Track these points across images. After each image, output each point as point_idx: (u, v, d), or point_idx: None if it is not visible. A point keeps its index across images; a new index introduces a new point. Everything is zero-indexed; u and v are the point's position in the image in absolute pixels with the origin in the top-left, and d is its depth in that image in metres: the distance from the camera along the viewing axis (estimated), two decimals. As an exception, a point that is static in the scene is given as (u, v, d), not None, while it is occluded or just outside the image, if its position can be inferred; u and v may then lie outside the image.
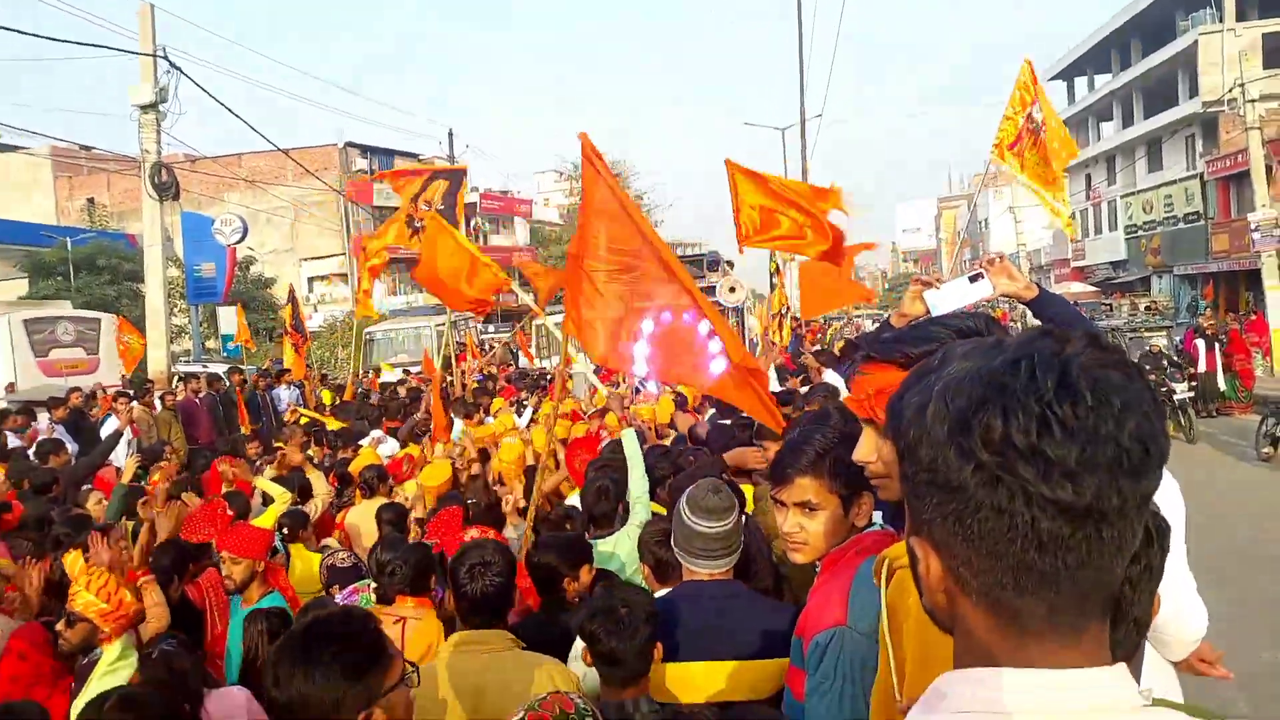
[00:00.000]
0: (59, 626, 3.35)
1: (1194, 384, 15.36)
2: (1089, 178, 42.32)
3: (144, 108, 15.83)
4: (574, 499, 5.12)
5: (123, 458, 8.39)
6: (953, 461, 0.80)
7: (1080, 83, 43.62)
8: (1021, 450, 0.78)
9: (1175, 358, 15.79)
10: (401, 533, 5.00)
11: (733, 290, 14.25)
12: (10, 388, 13.92)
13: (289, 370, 15.95)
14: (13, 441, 9.23)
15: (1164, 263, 33.83)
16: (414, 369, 18.39)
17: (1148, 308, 23.52)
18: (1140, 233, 35.73)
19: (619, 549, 3.89)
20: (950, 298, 2.63)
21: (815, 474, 2.15)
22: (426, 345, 21.58)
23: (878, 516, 2.18)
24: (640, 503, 4.09)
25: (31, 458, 8.03)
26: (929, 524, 0.85)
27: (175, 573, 4.50)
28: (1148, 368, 15.02)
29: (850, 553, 2.07)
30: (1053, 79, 44.55)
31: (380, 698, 1.68)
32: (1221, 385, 16.57)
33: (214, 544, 4.26)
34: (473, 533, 3.49)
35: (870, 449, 1.71)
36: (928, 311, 2.64)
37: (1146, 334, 17.76)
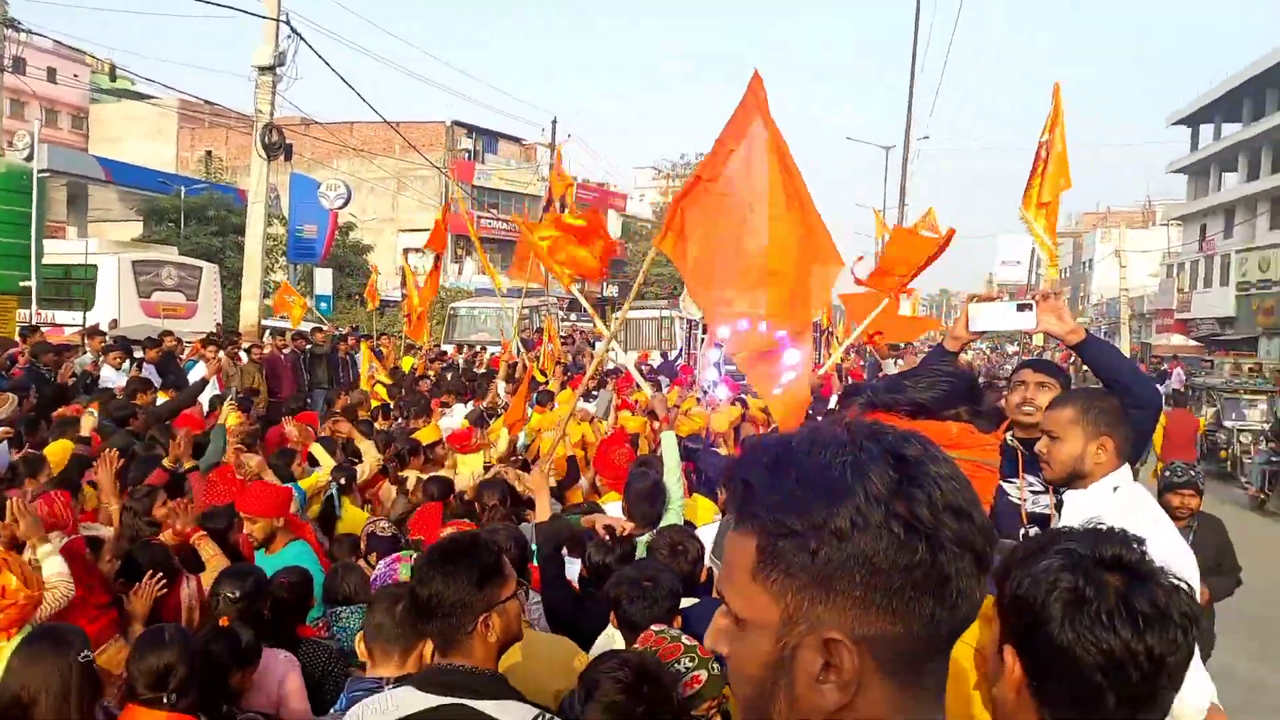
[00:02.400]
0: None
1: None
2: (1204, 228, 40.62)
3: (262, 69, 16.40)
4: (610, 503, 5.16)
5: (205, 404, 8.78)
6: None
7: (1206, 130, 41.89)
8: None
9: None
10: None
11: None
12: (113, 324, 14.65)
13: (369, 336, 16.39)
14: (111, 375, 9.76)
15: (1276, 324, 32.29)
16: (494, 348, 18.74)
17: (1251, 369, 22.49)
18: (1253, 290, 34.15)
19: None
20: (992, 318, 2.63)
21: None
22: (507, 325, 21.99)
23: None
24: (673, 508, 4.14)
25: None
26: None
27: (233, 519, 4.74)
28: (1270, 433, 14.34)
29: None
30: (1176, 124, 42.88)
31: (497, 605, 2.08)
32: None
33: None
34: (449, 530, 3.60)
35: None
36: (968, 326, 2.65)
37: (1246, 396, 17.00)
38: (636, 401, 9.97)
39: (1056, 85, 6.53)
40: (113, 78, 28.62)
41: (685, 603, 2.90)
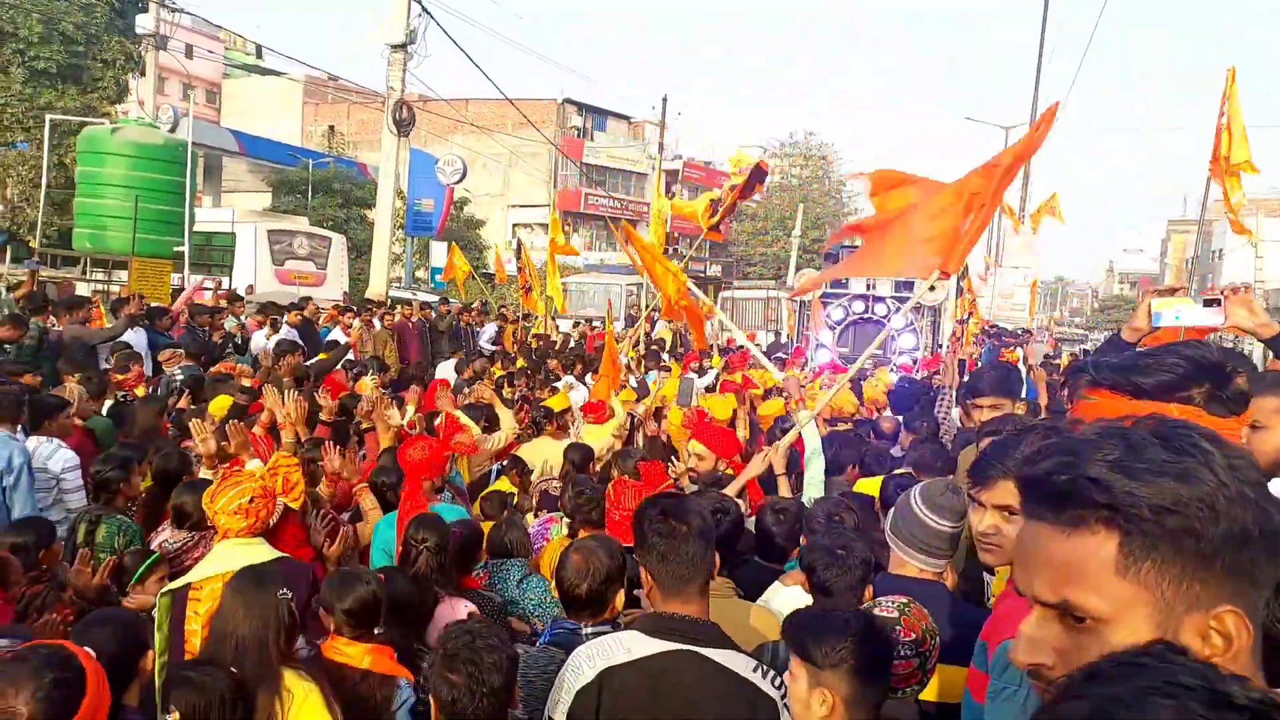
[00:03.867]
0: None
1: None
2: (1353, 217, 38.08)
3: (394, 47, 16.94)
4: None
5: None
6: None
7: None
8: None
9: None
10: (584, 472, 5.32)
11: (932, 289, 13.86)
12: (250, 289, 15.47)
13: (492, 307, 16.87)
14: (259, 339, 10.39)
15: None
16: (597, 325, 19.05)
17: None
18: None
19: None
20: (1176, 314, 2.59)
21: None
22: (614, 301, 22.27)
23: None
24: (812, 486, 4.27)
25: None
26: None
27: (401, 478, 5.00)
28: None
29: None
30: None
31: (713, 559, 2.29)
32: None
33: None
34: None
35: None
36: (1150, 320, 2.61)
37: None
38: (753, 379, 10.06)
39: (1231, 70, 6.35)
40: (259, 55, 30.02)
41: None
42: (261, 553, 3.38)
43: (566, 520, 4.47)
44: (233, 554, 3.33)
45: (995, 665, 1.98)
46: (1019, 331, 19.33)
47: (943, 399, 6.77)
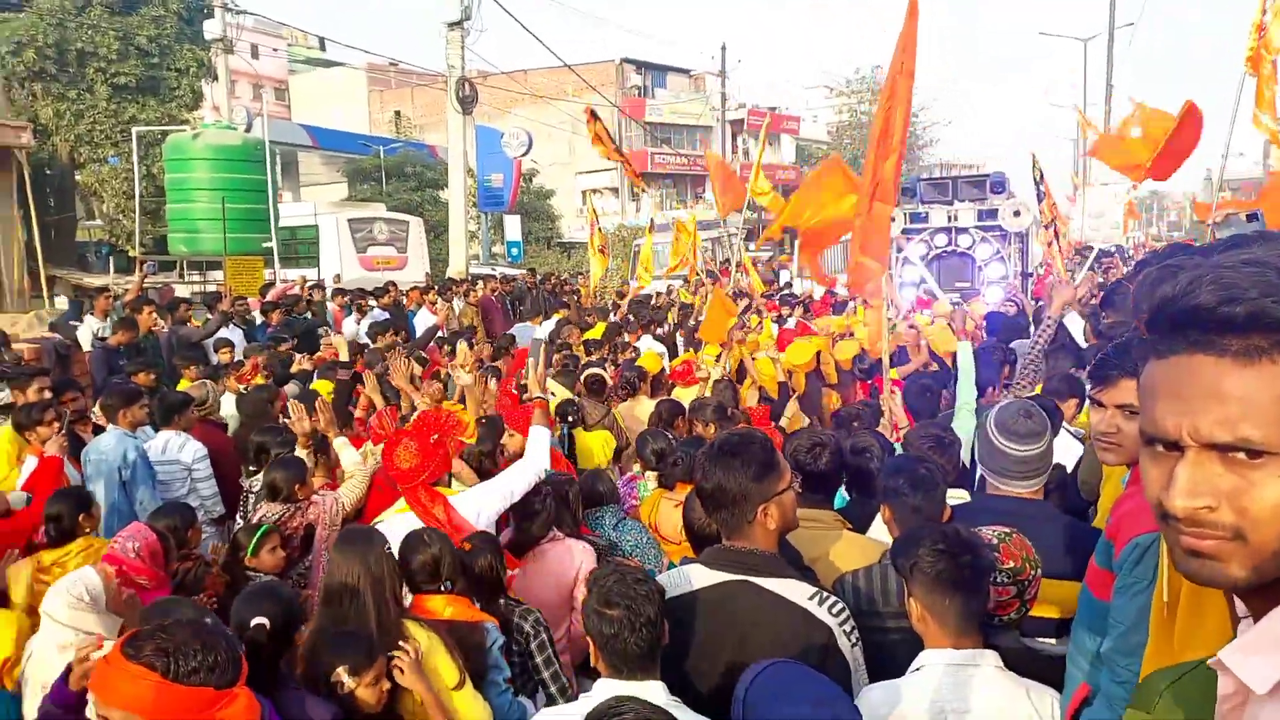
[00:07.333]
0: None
1: None
2: None
3: (451, 25, 17.09)
4: None
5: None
6: None
7: None
8: None
9: None
10: (670, 428, 5.34)
11: (1017, 215, 13.45)
12: (336, 279, 15.94)
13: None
14: (350, 325, 10.73)
15: None
16: (675, 282, 18.97)
17: None
18: None
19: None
20: None
21: None
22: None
23: None
24: (964, 409, 4.33)
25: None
26: None
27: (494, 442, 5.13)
28: None
29: None
30: None
31: (774, 497, 2.21)
32: None
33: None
34: None
35: None
36: None
37: None
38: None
39: None
40: (322, 48, 30.76)
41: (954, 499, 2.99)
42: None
43: (653, 474, 4.55)
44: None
45: (1126, 560, 1.99)
46: (1111, 250, 18.54)
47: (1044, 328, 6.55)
